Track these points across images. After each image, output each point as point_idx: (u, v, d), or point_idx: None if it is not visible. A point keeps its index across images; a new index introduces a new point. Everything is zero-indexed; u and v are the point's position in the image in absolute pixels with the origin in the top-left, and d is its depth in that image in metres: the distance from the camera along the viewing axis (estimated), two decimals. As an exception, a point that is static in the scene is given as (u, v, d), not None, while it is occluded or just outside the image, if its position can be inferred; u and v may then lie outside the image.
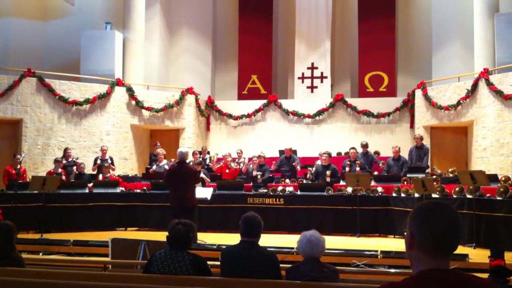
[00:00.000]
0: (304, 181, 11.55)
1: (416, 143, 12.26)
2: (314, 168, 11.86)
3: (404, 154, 12.35)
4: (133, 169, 14.48)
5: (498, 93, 12.23)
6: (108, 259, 6.14)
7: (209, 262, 3.97)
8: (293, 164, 11.96)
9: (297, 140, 14.76)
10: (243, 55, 16.62)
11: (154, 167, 12.63)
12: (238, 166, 12.46)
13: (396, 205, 9.85)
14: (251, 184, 11.44)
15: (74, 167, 11.84)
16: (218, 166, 12.49)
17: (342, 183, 11.10)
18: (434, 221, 1.69)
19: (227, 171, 12.12)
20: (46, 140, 13.43)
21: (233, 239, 4.57)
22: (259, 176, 11.59)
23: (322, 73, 15.79)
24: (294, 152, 13.03)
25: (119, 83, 14.38)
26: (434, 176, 10.54)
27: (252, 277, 3.69)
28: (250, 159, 12.36)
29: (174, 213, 7.92)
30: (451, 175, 10.92)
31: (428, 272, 1.65)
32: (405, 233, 1.76)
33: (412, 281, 1.66)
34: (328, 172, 11.18)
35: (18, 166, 11.22)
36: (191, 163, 9.47)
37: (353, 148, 12.18)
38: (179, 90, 15.30)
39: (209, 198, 9.67)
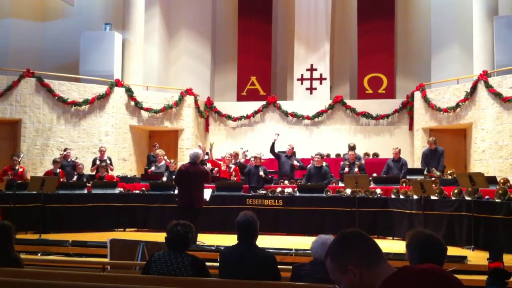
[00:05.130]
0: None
1: (430, 147, 11.96)
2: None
3: (404, 155, 12.33)
4: (132, 170, 14.47)
5: (497, 95, 12.24)
6: (106, 259, 6.13)
7: (207, 263, 3.96)
8: (292, 164, 11.91)
9: (296, 141, 14.72)
10: (243, 57, 16.63)
11: (153, 168, 12.62)
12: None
13: (395, 207, 9.84)
14: (247, 185, 11.42)
15: (75, 172, 11.85)
16: (215, 158, 12.45)
17: (341, 184, 11.10)
18: None
19: (234, 178, 12.01)
20: (45, 141, 13.42)
21: (231, 240, 4.56)
22: (262, 172, 11.49)
23: (321, 74, 15.80)
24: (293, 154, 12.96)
25: (118, 83, 14.38)
26: (433, 178, 10.53)
27: (251, 278, 3.70)
28: (248, 160, 12.33)
29: (180, 213, 7.89)
30: (450, 177, 10.91)
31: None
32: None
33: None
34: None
35: (17, 167, 11.20)
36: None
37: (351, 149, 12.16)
38: (178, 91, 15.30)
39: (207, 199, 9.66)
